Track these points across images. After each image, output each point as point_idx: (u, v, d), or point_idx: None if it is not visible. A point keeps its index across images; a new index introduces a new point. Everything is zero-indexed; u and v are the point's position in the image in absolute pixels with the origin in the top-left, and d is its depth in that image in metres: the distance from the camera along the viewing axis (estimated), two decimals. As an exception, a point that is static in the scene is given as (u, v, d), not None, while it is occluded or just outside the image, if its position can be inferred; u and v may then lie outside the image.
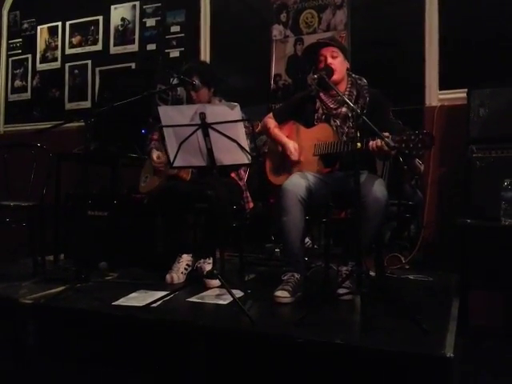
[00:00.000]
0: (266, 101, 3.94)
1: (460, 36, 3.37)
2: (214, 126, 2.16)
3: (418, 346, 1.72)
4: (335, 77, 2.46)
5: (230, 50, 4.12)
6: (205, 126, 2.17)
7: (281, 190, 2.36)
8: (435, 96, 3.45)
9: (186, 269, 2.79)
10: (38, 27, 5.03)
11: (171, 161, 2.33)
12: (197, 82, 2.76)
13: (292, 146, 2.56)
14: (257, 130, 2.77)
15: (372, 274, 2.63)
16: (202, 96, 2.85)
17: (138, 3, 4.55)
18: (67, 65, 4.86)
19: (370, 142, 2.23)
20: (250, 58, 4.09)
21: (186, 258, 2.81)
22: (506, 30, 3.23)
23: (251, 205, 2.97)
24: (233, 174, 2.93)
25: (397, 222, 3.23)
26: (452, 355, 1.63)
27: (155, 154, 2.89)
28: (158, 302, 2.24)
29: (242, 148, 2.19)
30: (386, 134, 2.05)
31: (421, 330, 1.84)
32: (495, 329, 2.71)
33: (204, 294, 2.46)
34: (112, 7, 4.65)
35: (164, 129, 2.27)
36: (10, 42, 5.20)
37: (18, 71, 5.14)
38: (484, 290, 2.81)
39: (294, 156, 2.54)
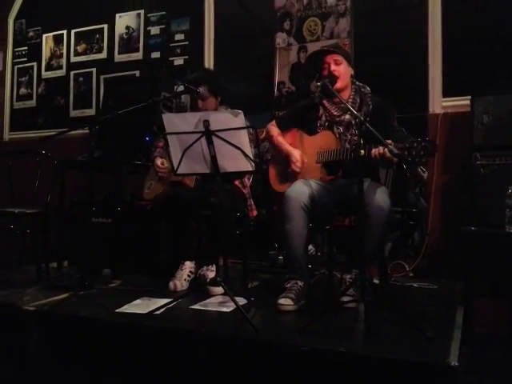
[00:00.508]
0: (270, 108, 3.95)
1: (463, 43, 3.38)
2: (217, 133, 2.17)
3: (422, 355, 1.71)
4: (338, 84, 2.46)
5: (234, 58, 4.14)
6: (209, 134, 2.18)
7: (284, 197, 2.36)
8: (439, 103, 3.45)
9: (189, 276, 2.79)
10: (44, 35, 5.07)
11: (175, 168, 2.33)
12: (201, 90, 2.77)
13: (297, 155, 2.54)
14: (261, 137, 2.78)
15: (376, 281, 2.62)
16: (208, 105, 2.86)
17: (142, 11, 4.59)
18: (72, 73, 4.90)
19: (373, 150, 2.23)
20: (254, 66, 4.11)
21: (189, 265, 2.81)
22: (510, 36, 3.23)
23: (255, 213, 2.97)
24: (236, 182, 2.93)
25: (401, 230, 3.22)
26: (457, 364, 1.62)
27: (159, 161, 2.91)
28: (162, 310, 2.23)
29: (245, 155, 2.19)
30: (389, 141, 2.05)
31: (425, 338, 1.83)
32: (500, 337, 2.69)
33: (207, 301, 2.46)
34: (117, 15, 4.69)
35: (168, 136, 2.28)
36: (15, 49, 5.24)
37: (23, 79, 5.18)
38: (488, 298, 2.79)
39: (297, 167, 2.53)
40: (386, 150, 2.14)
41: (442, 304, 2.54)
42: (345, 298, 2.30)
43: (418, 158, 1.97)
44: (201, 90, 2.77)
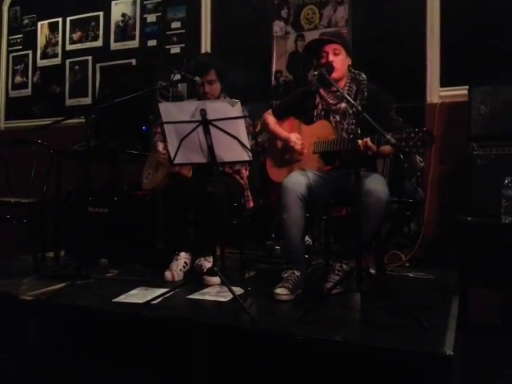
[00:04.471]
0: (267, 97, 3.93)
1: (461, 33, 3.36)
2: (214, 122, 2.16)
3: (417, 344, 1.72)
4: (335, 74, 2.45)
5: (231, 47, 4.11)
6: (205, 123, 2.17)
7: (281, 187, 2.36)
8: (436, 93, 3.44)
9: (184, 267, 2.79)
10: (39, 23, 5.01)
11: (172, 158, 2.33)
12: (198, 79, 2.75)
13: (294, 137, 2.54)
14: (257, 130, 2.76)
15: (372, 271, 2.63)
16: (215, 90, 2.85)
17: (138, -1, 4.54)
18: (68, 61, 4.85)
19: (359, 142, 2.20)
20: (251, 55, 4.07)
21: (183, 256, 2.80)
22: (507, 26, 3.22)
23: (251, 204, 2.96)
24: (234, 173, 2.92)
25: (397, 220, 3.23)
26: (452, 353, 1.63)
27: (160, 146, 2.85)
28: (159, 299, 2.24)
29: (242, 145, 2.18)
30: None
31: (421, 327, 1.84)
32: (494, 327, 2.72)
33: (204, 291, 2.46)
34: (112, 3, 4.64)
35: (165, 125, 2.27)
36: (10, 37, 5.18)
37: (18, 67, 5.13)
38: (484, 288, 2.81)
39: (298, 145, 2.52)
40: (368, 140, 2.14)
41: (437, 294, 2.55)
42: (328, 285, 2.32)
43: (415, 149, 1.96)
44: (197, 79, 2.75)
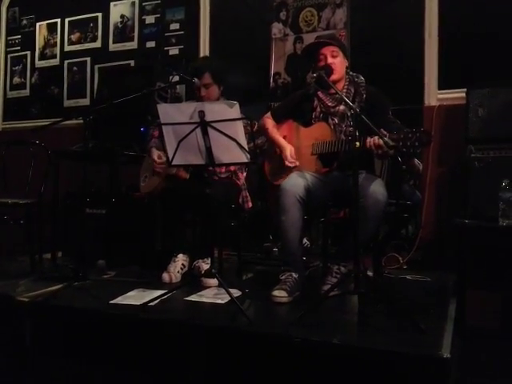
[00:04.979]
0: (265, 99, 3.93)
1: (459, 35, 3.37)
2: (212, 124, 2.16)
3: (415, 346, 1.72)
4: (334, 76, 2.45)
5: (230, 48, 4.11)
6: (204, 124, 2.17)
7: (280, 189, 2.36)
8: (434, 96, 3.45)
9: (181, 268, 2.78)
10: (37, 24, 5.01)
11: (170, 159, 2.32)
12: (196, 80, 2.75)
13: (289, 152, 2.51)
14: (254, 129, 2.76)
15: (370, 273, 2.63)
16: (211, 93, 2.84)
17: (137, 0, 4.54)
18: (66, 62, 4.85)
19: (368, 139, 2.21)
20: (250, 57, 4.08)
21: (181, 258, 2.80)
22: (505, 29, 3.23)
23: (250, 204, 2.96)
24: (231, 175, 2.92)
25: (395, 222, 3.23)
26: (449, 355, 1.63)
27: (156, 154, 2.84)
28: (156, 301, 2.23)
29: (240, 147, 2.18)
30: (384, 132, 2.04)
31: (418, 330, 1.84)
32: (492, 329, 2.71)
33: (202, 293, 2.46)
34: (111, 4, 4.64)
35: (163, 127, 2.26)
36: (8, 38, 5.18)
37: (16, 68, 5.13)
38: (481, 291, 2.81)
39: (290, 163, 2.50)
40: (380, 140, 2.14)
41: (435, 296, 2.56)
42: (325, 287, 2.33)
43: (413, 149, 1.96)
44: (196, 80, 2.75)
